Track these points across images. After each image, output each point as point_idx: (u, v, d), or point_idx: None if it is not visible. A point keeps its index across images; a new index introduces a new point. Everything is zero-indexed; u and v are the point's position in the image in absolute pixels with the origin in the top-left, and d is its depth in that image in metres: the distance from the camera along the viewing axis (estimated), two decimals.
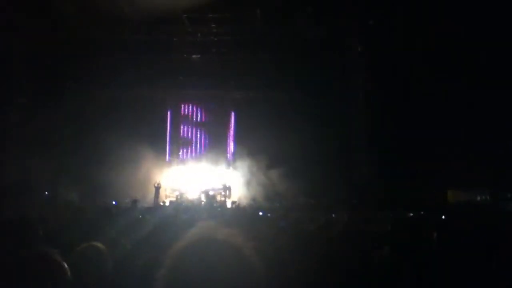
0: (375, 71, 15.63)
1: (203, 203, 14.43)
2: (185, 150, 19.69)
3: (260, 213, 9.18)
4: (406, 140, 15.05)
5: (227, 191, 16.51)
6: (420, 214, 8.78)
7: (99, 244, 2.22)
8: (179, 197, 16.57)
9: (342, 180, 16.15)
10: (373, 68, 15.74)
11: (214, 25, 15.97)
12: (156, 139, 18.61)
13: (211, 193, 16.49)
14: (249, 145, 17.71)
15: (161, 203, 14.79)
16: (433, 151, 14.43)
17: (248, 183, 17.25)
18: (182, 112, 19.78)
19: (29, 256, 1.56)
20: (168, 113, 19.70)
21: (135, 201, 8.73)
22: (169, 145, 19.60)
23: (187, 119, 19.78)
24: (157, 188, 16.24)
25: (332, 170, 16.35)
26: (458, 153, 13.66)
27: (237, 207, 12.37)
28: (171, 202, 15.76)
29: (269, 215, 8.43)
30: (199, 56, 17.66)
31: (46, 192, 14.84)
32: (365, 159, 16.01)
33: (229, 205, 14.26)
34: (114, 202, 11.02)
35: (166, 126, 19.66)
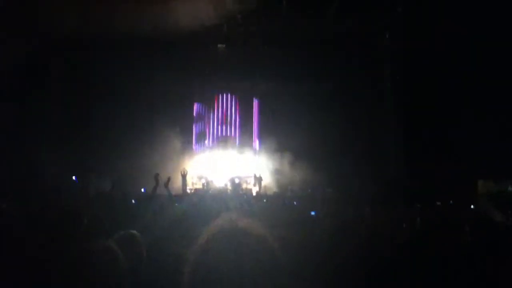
0: (404, 65, 15.40)
1: (229, 191, 14.57)
2: (211, 138, 19.87)
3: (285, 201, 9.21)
4: (433, 129, 14.83)
5: (257, 181, 16.57)
6: (449, 206, 8.64)
7: (134, 232, 2.29)
8: (205, 185, 16.76)
9: (368, 172, 16.02)
10: (402, 62, 15.53)
11: (240, 16, 15.94)
12: (182, 128, 18.83)
13: (236, 181, 16.62)
14: (275, 135, 17.76)
15: (188, 191, 14.98)
16: (462, 139, 14.17)
17: (273, 172, 17.32)
18: (208, 101, 19.94)
19: (94, 249, 1.63)
20: (194, 101, 19.89)
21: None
22: (195, 133, 19.81)
23: (213, 108, 19.94)
24: (184, 176, 16.42)
25: (358, 162, 16.24)
26: (489, 142, 13.38)
27: (262, 195, 12.44)
28: (197, 190, 15.97)
29: (295, 203, 8.45)
30: (224, 46, 17.73)
31: (74, 177, 15.18)
32: (392, 149, 15.85)
33: (255, 193, 14.35)
34: (143, 190, 11.22)
35: (192, 115, 19.86)
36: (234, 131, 19.85)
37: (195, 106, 19.88)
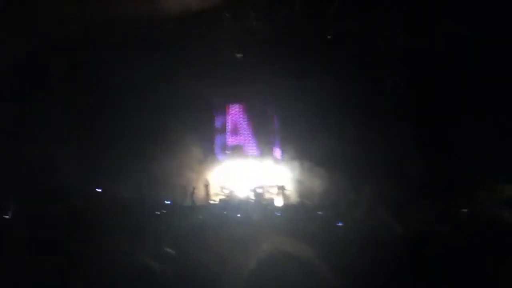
0: (426, 66, 15.24)
1: (252, 201, 14.56)
2: (232, 147, 19.87)
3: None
4: (453, 132, 14.61)
5: (280, 190, 16.49)
6: (474, 211, 8.45)
7: (170, 250, 2.31)
8: (228, 195, 16.76)
9: (389, 176, 15.79)
10: (420, 61, 15.39)
11: (254, 19, 16.01)
12: (203, 137, 18.90)
13: (259, 191, 16.57)
14: (296, 141, 17.67)
15: (211, 201, 15.04)
16: (481, 143, 13.92)
17: (294, 181, 17.21)
18: (228, 109, 19.97)
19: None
20: (215, 110, 19.94)
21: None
22: (216, 143, 19.84)
23: (233, 116, 19.96)
24: (207, 186, 16.49)
25: (379, 165, 16.01)
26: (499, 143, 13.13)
27: (286, 205, 12.40)
28: (220, 200, 15.99)
29: (319, 213, 8.38)
30: (241, 52, 17.77)
31: (98, 189, 15.32)
32: (412, 153, 15.61)
33: (278, 203, 14.29)
34: (169, 202, 11.32)
35: (214, 124, 19.89)
36: (255, 139, 19.83)
37: (216, 115, 19.94)
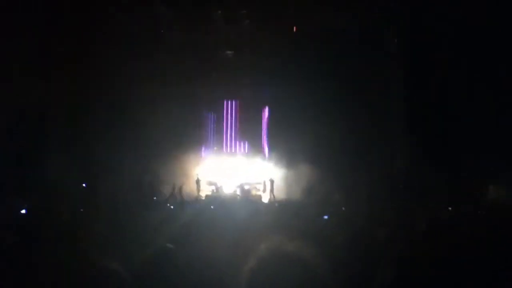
0: (411, 64, 15.45)
1: (238, 197, 14.66)
2: (221, 145, 19.93)
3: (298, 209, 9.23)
4: (443, 134, 14.85)
5: (265, 186, 16.62)
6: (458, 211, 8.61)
7: (169, 245, 2.36)
8: (215, 191, 16.83)
9: (376, 174, 16.00)
10: (410, 61, 15.58)
11: (247, 21, 16.06)
12: (193, 134, 18.93)
13: (246, 187, 16.66)
14: (284, 140, 17.78)
15: (199, 198, 15.10)
16: (469, 144, 14.19)
17: (283, 178, 17.33)
18: (218, 108, 20.03)
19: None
20: (204, 108, 19.98)
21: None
22: (206, 140, 19.87)
23: (223, 115, 20.02)
24: (197, 182, 16.54)
25: (367, 164, 16.20)
26: (498, 147, 13.38)
27: (273, 202, 12.52)
28: (207, 196, 16.06)
29: (305, 209, 8.45)
30: (232, 53, 17.85)
31: (84, 184, 15.27)
32: (400, 153, 15.84)
33: (265, 199, 14.41)
34: (154, 198, 11.34)
35: (203, 121, 19.93)
36: (244, 137, 19.91)
37: (206, 113, 19.99)
